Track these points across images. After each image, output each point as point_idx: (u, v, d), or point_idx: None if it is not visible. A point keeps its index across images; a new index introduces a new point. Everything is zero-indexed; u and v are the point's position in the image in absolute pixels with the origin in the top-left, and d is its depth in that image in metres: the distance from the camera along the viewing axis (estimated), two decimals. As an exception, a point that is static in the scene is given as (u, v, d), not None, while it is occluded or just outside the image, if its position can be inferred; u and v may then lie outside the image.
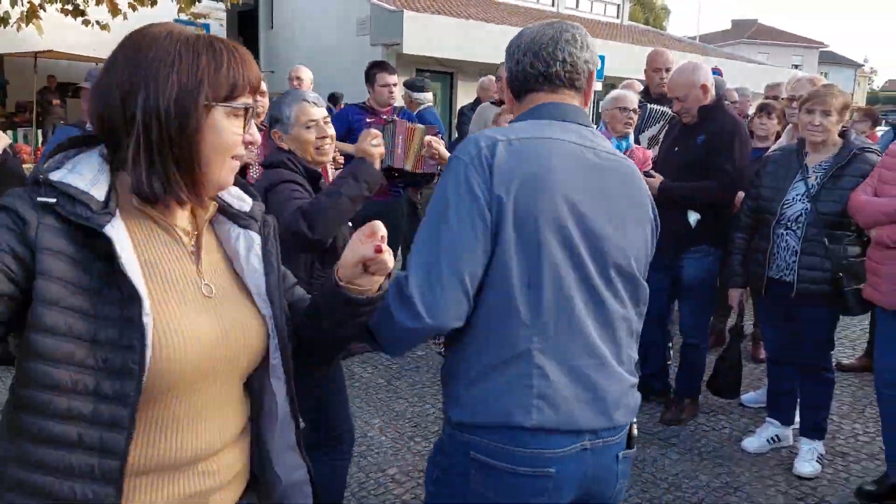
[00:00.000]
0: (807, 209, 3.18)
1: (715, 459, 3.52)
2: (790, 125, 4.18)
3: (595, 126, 1.71)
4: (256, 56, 19.62)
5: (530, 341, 1.39)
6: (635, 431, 1.58)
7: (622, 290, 1.51)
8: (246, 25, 19.55)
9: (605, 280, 1.47)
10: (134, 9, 9.48)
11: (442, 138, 5.29)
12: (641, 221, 1.55)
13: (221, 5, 11.65)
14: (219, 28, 16.34)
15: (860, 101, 47.43)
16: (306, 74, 5.60)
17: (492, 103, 5.68)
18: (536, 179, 1.40)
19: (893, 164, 2.94)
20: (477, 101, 6.36)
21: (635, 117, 3.91)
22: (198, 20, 10.09)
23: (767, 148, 4.24)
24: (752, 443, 3.61)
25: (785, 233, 3.25)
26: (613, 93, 4.12)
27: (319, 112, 2.51)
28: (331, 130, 2.54)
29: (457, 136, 6.34)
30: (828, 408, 3.47)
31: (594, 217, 1.44)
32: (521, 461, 1.40)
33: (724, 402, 4.12)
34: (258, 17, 19.68)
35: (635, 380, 1.57)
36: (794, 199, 3.24)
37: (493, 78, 6.22)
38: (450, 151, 5.61)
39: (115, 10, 9.12)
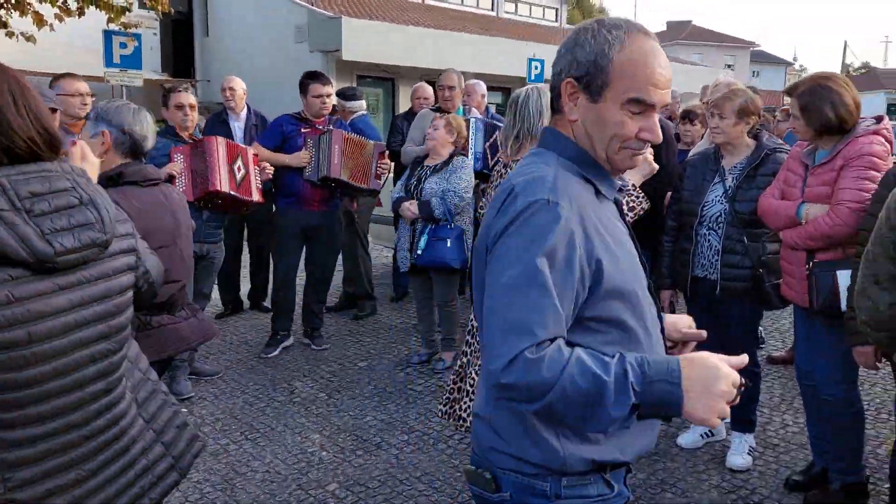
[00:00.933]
0: (725, 209, 3.29)
1: (652, 456, 3.59)
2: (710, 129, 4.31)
3: None
4: (192, 65, 19.28)
5: None
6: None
7: None
8: (180, 33, 19.15)
9: None
10: (60, 20, 9.19)
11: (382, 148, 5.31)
12: None
13: (153, 14, 11.37)
14: (152, 37, 15.96)
15: (791, 98, 48.98)
16: (238, 85, 5.51)
17: (432, 110, 5.64)
18: None
19: (795, 167, 3.06)
20: (410, 111, 6.23)
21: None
22: (129, 30, 9.81)
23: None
24: (686, 438, 3.70)
25: (707, 233, 3.35)
26: None
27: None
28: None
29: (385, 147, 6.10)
30: (756, 401, 3.58)
31: None
32: None
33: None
34: (193, 25, 19.31)
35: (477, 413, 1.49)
36: (713, 200, 3.34)
37: (425, 84, 6.17)
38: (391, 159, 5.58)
39: (40, 22, 8.82)
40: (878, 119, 2.92)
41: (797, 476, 3.29)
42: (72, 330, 1.39)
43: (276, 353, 4.99)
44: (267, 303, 5.80)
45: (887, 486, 3.08)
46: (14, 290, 1.28)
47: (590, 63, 1.33)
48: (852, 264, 2.68)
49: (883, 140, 2.87)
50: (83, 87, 4.05)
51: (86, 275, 1.43)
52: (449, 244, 4.33)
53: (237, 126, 5.48)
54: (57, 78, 4.11)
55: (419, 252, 4.40)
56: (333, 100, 5.01)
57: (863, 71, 60.93)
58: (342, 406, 4.16)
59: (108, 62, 9.98)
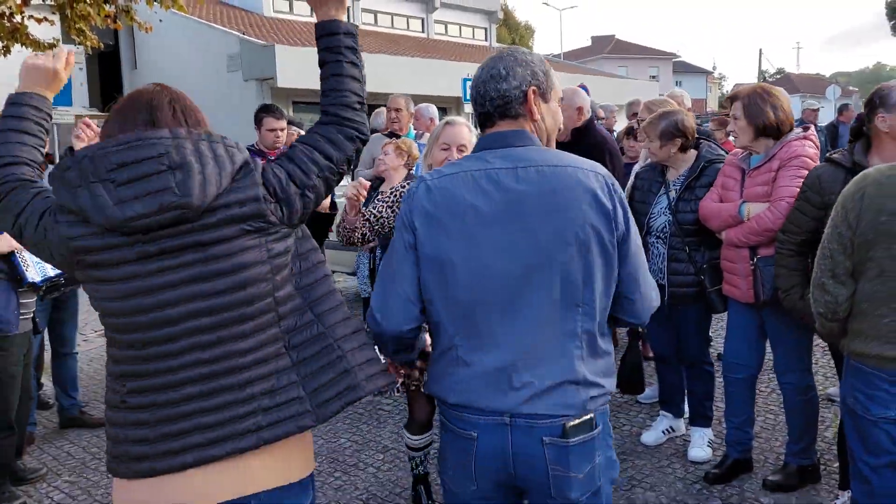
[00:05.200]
0: (669, 220, 3.51)
1: (619, 455, 3.75)
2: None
3: None
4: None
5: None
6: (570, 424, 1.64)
7: None
8: (107, 67, 18.79)
9: None
10: (-17, 59, 8.95)
11: None
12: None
13: (78, 48, 11.14)
14: (78, 72, 15.62)
15: (713, 104, 51.16)
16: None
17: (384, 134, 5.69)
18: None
19: (732, 172, 3.32)
20: None
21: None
22: (58, 66, 9.63)
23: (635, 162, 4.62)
24: (649, 436, 3.89)
25: (656, 241, 3.57)
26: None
27: None
28: None
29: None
30: (711, 397, 3.79)
31: None
32: None
33: (623, 400, 4.41)
34: (120, 58, 18.97)
35: None
36: (658, 212, 3.57)
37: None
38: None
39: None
40: (805, 127, 3.21)
41: (714, 470, 3.47)
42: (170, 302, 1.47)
43: (241, 384, 4.98)
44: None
45: (836, 465, 3.32)
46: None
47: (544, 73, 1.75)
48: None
49: (812, 143, 3.15)
50: None
51: (173, 244, 1.46)
52: None
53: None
54: None
55: None
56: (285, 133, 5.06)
57: (778, 77, 64.00)
58: (315, 431, 4.20)
59: (39, 100, 9.80)
